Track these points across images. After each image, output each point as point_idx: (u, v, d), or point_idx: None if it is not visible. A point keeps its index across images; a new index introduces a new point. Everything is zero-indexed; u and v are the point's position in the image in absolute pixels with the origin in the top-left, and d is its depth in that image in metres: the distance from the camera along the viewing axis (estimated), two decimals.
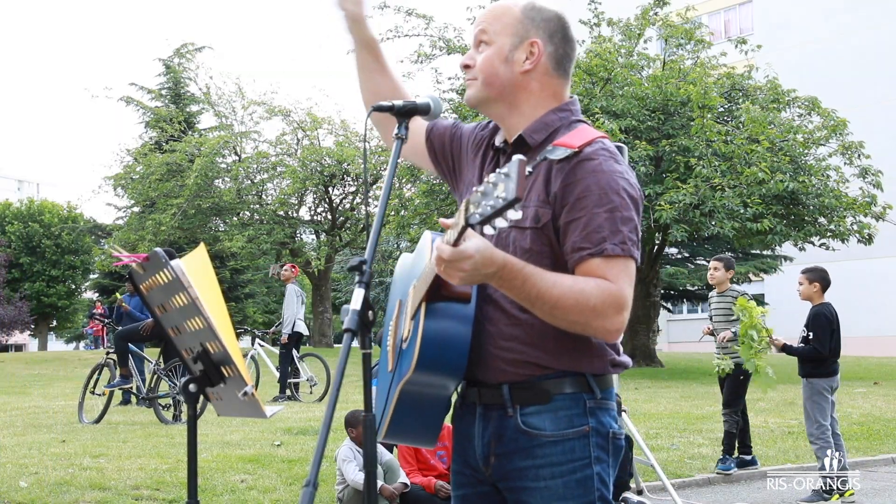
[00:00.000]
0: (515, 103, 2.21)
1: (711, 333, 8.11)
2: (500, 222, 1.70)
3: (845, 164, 19.26)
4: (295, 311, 13.17)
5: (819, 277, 7.13)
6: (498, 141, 2.29)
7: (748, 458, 8.08)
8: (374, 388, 2.18)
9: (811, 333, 6.94)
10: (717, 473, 7.76)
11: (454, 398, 2.26)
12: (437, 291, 2.04)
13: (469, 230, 1.82)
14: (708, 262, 31.36)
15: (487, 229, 1.72)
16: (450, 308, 2.06)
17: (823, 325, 6.94)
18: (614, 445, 2.13)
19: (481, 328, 2.11)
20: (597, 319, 1.97)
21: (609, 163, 2.05)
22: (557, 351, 2.08)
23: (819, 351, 6.89)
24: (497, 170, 1.72)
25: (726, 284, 8.08)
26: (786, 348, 6.91)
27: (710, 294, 8.32)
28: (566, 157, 2.03)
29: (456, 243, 1.84)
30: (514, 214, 1.68)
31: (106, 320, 14.70)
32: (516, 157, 1.68)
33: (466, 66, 2.24)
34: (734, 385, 7.91)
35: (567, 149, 2.03)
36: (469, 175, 2.35)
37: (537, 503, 2.09)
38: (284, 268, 13.58)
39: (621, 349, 2.19)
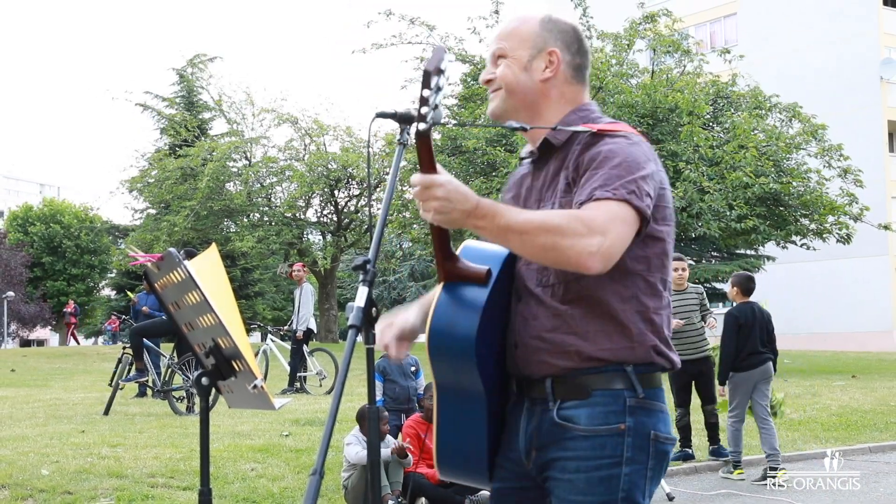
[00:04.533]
0: (537, 111, 2.18)
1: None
2: (434, 104, 1.87)
3: (825, 166, 19.32)
4: (310, 310, 13.20)
5: (737, 282, 7.45)
6: (524, 153, 2.28)
7: (690, 451, 7.99)
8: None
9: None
10: (726, 462, 7.70)
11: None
12: (452, 270, 2.02)
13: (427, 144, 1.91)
14: (696, 261, 31.34)
15: (429, 119, 1.86)
16: (461, 294, 2.03)
17: (728, 327, 7.28)
18: (656, 449, 2.01)
19: (525, 324, 2.07)
20: (564, 239, 1.85)
21: (625, 143, 2.01)
22: (596, 337, 1.99)
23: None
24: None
25: (685, 283, 8.09)
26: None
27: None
28: (589, 134, 2.05)
29: (423, 163, 1.92)
30: (441, 80, 1.87)
31: (123, 317, 14.73)
32: (437, 46, 1.91)
33: (488, 81, 2.22)
34: (712, 380, 7.91)
35: (588, 128, 2.05)
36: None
37: (560, 494, 2.02)
38: (295, 268, 13.55)
39: (671, 344, 2.08)
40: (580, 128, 2.06)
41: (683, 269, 8.03)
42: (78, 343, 36.01)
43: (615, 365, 1.99)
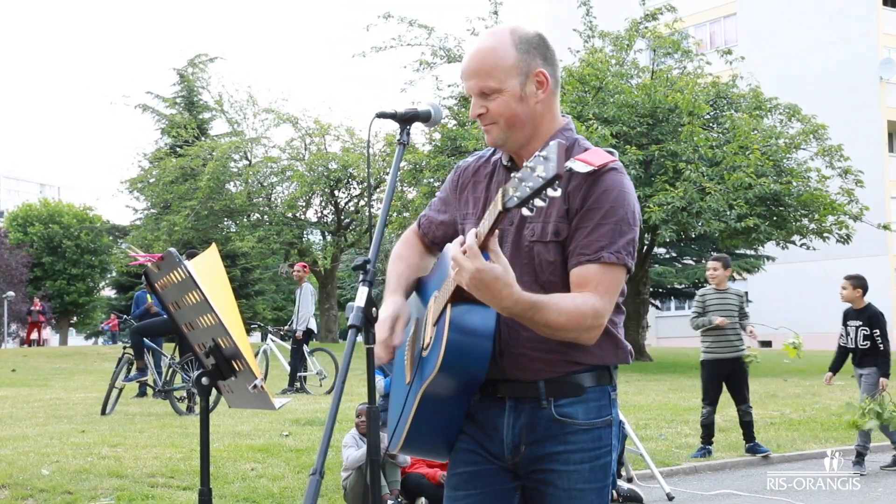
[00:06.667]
0: (534, 130, 2.20)
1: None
2: (539, 202, 1.75)
3: (826, 167, 19.33)
4: (310, 310, 13.17)
5: (861, 283, 7.69)
6: (505, 160, 2.27)
7: (711, 448, 8.04)
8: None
9: (877, 331, 7.51)
10: (764, 458, 7.86)
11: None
12: (459, 292, 2.04)
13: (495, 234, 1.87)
14: (695, 261, 31.09)
15: (525, 210, 1.77)
16: (473, 317, 2.05)
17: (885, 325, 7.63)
18: (621, 434, 2.26)
19: (517, 333, 2.12)
20: (588, 332, 2.06)
21: (622, 184, 2.11)
22: (590, 347, 2.13)
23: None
24: (537, 153, 1.76)
25: (725, 283, 8.12)
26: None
27: (706, 291, 8.14)
28: (587, 172, 2.06)
29: (490, 232, 1.88)
30: (553, 193, 1.74)
31: (124, 316, 14.71)
32: (554, 141, 1.75)
33: (479, 115, 2.19)
34: (745, 380, 8.06)
35: (588, 165, 2.06)
36: (471, 206, 2.33)
37: (564, 485, 2.15)
38: (295, 268, 13.53)
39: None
40: (583, 165, 2.04)
41: (715, 269, 8.08)
42: (40, 344, 34.98)
43: (602, 366, 2.18)
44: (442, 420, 2.17)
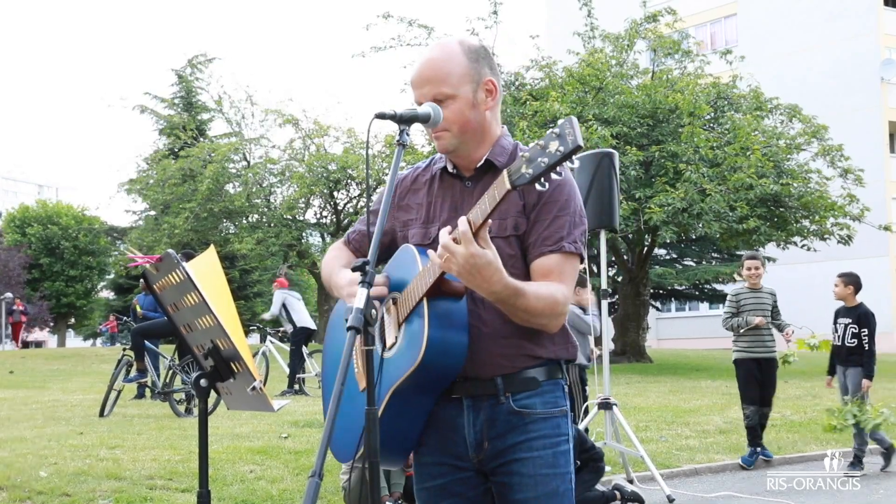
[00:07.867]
0: (482, 137, 2.30)
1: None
2: (555, 176, 1.83)
3: (827, 167, 19.36)
4: (276, 312, 13.59)
5: (853, 281, 7.69)
6: (450, 167, 2.35)
7: (765, 450, 8.03)
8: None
9: (865, 330, 7.53)
10: (767, 461, 7.84)
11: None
12: (437, 287, 2.08)
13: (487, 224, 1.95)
14: (696, 263, 30.95)
15: (538, 186, 1.84)
16: (449, 311, 2.11)
17: (875, 326, 7.63)
18: (571, 423, 2.33)
19: (477, 330, 2.18)
20: (558, 319, 2.19)
21: (572, 180, 2.26)
22: (545, 341, 2.24)
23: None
24: (549, 131, 1.83)
25: (761, 282, 8.05)
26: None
27: (739, 290, 8.04)
28: None
29: (486, 220, 1.95)
30: (572, 165, 1.83)
31: (123, 318, 14.73)
32: (567, 118, 1.82)
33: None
34: (775, 382, 8.03)
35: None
36: (414, 212, 2.38)
37: (529, 471, 2.20)
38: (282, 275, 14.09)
39: None
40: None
41: (756, 269, 7.95)
42: (27, 345, 34.27)
43: (555, 361, 2.29)
44: (408, 422, 2.20)
